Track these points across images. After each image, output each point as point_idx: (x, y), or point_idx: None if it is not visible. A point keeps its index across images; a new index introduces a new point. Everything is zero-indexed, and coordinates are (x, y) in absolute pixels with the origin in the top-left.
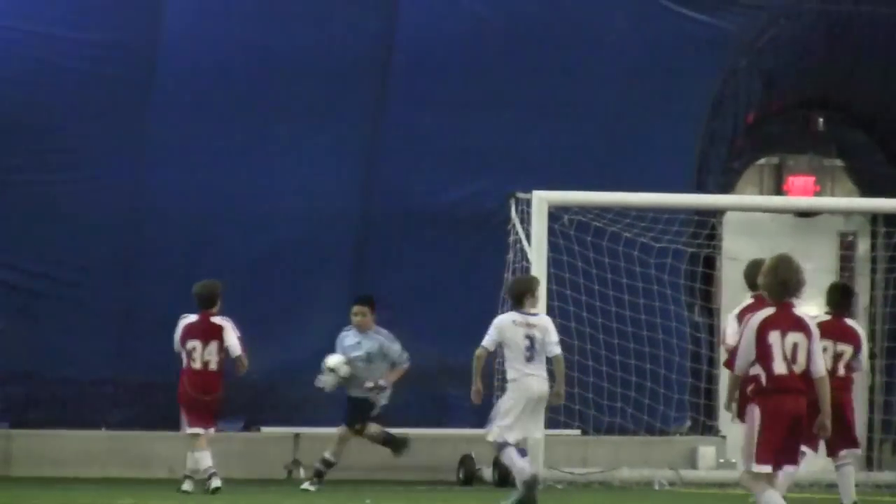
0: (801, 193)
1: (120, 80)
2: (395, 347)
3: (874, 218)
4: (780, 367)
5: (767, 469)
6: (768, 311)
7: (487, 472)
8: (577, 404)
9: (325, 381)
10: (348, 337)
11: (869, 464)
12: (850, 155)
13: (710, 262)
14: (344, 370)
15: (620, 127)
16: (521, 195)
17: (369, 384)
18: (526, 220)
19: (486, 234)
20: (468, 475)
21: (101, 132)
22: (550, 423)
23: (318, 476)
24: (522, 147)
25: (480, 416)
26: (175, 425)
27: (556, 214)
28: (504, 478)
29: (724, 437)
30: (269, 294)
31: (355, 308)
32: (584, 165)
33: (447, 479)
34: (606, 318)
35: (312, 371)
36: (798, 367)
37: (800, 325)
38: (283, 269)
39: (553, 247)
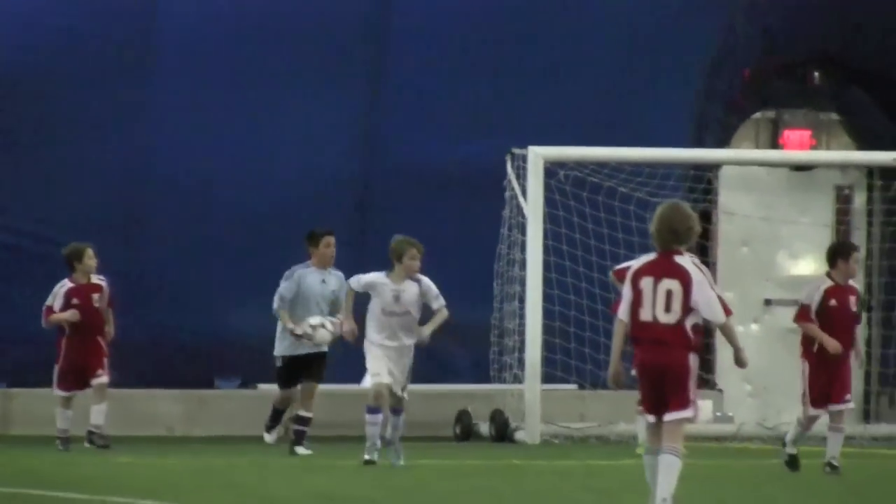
0: (797, 147)
1: (121, 44)
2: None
3: (870, 171)
4: (645, 315)
5: (648, 418)
6: (647, 257)
7: (484, 428)
8: (573, 359)
9: (321, 337)
10: (312, 275)
11: (866, 417)
12: (847, 110)
13: (707, 217)
14: (330, 325)
15: (619, 85)
16: (517, 151)
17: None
18: (522, 177)
19: (486, 193)
20: (465, 430)
21: (101, 96)
22: (547, 377)
23: (302, 437)
24: (522, 107)
25: (479, 371)
26: (174, 384)
27: (552, 170)
28: (502, 432)
29: (720, 390)
30: (269, 255)
31: (330, 239)
32: (583, 124)
33: (444, 435)
34: (602, 272)
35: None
36: (671, 316)
37: (678, 272)
38: (284, 230)
39: (549, 202)
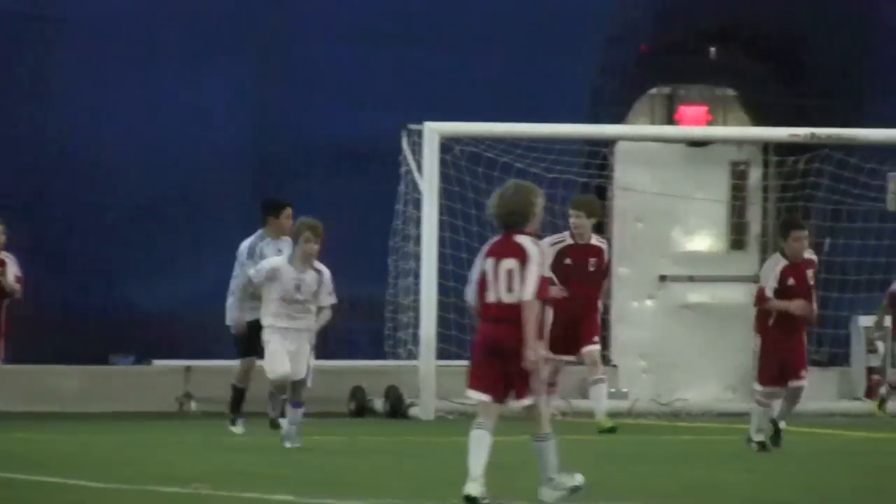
0: (692, 123)
1: (16, 18)
2: None
3: (766, 147)
4: (490, 296)
5: (477, 395)
6: (493, 239)
7: (379, 404)
8: (468, 335)
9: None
10: (269, 247)
11: None
12: (743, 85)
13: (602, 192)
14: None
15: (515, 61)
16: (412, 127)
17: None
18: (417, 152)
19: (382, 168)
20: (359, 407)
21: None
22: (442, 354)
23: (238, 409)
24: (420, 81)
25: (373, 347)
26: (70, 360)
27: (447, 146)
28: (396, 408)
29: (615, 366)
30: (165, 231)
31: (281, 213)
32: (480, 99)
33: (338, 411)
34: None
35: (205, 306)
36: (513, 296)
37: (517, 251)
38: (180, 206)
39: (445, 178)
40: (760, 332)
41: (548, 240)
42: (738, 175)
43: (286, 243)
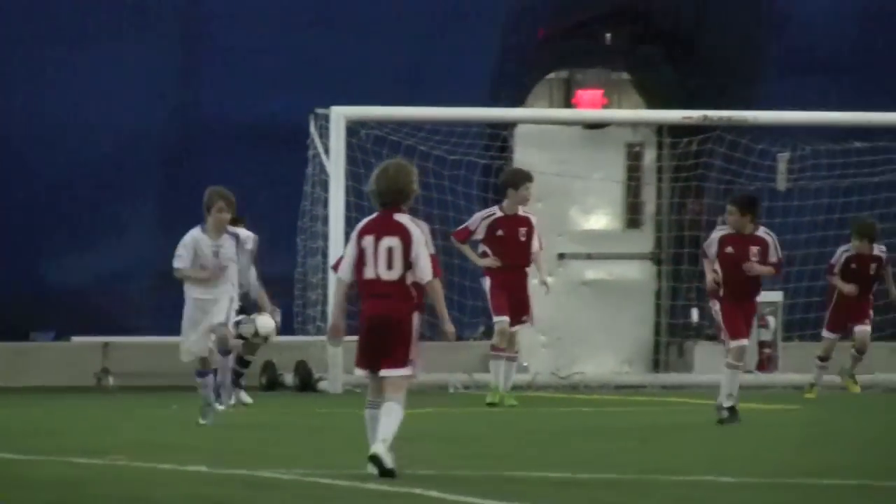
0: (589, 106)
1: None
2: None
3: (660, 129)
4: (368, 273)
5: (361, 372)
6: (370, 217)
7: (289, 378)
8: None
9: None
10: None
11: (656, 366)
12: (638, 69)
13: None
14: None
15: (418, 46)
16: (320, 111)
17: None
18: (325, 136)
19: (291, 150)
20: (270, 381)
21: None
22: (352, 329)
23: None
24: (329, 65)
25: (283, 323)
26: None
27: (353, 129)
28: (305, 382)
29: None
30: (84, 210)
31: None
32: (385, 84)
33: (250, 385)
34: None
35: (123, 284)
36: (393, 273)
37: (398, 230)
38: (95, 186)
39: (351, 160)
40: (716, 298)
41: (478, 215)
42: (634, 156)
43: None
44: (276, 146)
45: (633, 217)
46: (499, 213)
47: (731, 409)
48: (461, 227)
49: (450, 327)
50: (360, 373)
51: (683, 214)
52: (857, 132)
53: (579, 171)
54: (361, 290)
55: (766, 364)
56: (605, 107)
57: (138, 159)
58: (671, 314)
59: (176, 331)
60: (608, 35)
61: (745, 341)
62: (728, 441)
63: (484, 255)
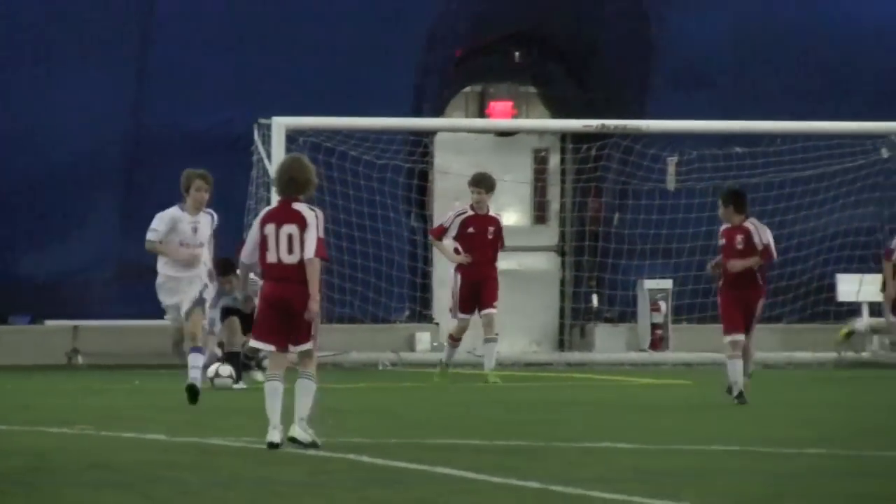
0: (500, 116)
1: None
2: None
3: (563, 136)
4: (271, 257)
5: (267, 347)
6: (271, 206)
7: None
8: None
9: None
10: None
11: (561, 346)
12: (544, 83)
13: (424, 176)
14: None
15: (350, 62)
16: (262, 121)
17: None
18: (267, 143)
19: (237, 155)
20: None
21: None
22: None
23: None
24: (270, 80)
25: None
26: None
27: (293, 137)
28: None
29: (437, 323)
30: (52, 207)
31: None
32: (321, 95)
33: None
34: (337, 224)
35: (90, 272)
36: (294, 257)
37: (296, 217)
38: (64, 186)
39: None
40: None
41: (452, 212)
42: (540, 160)
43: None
44: (222, 152)
45: (539, 214)
46: (470, 212)
47: (740, 394)
48: (436, 225)
49: (314, 307)
50: (260, 346)
51: (584, 212)
52: (736, 139)
53: (492, 173)
54: (265, 273)
55: (658, 344)
56: (515, 117)
57: (100, 164)
58: (574, 300)
59: (137, 315)
60: (517, 54)
61: (738, 336)
62: (624, 413)
63: (456, 251)
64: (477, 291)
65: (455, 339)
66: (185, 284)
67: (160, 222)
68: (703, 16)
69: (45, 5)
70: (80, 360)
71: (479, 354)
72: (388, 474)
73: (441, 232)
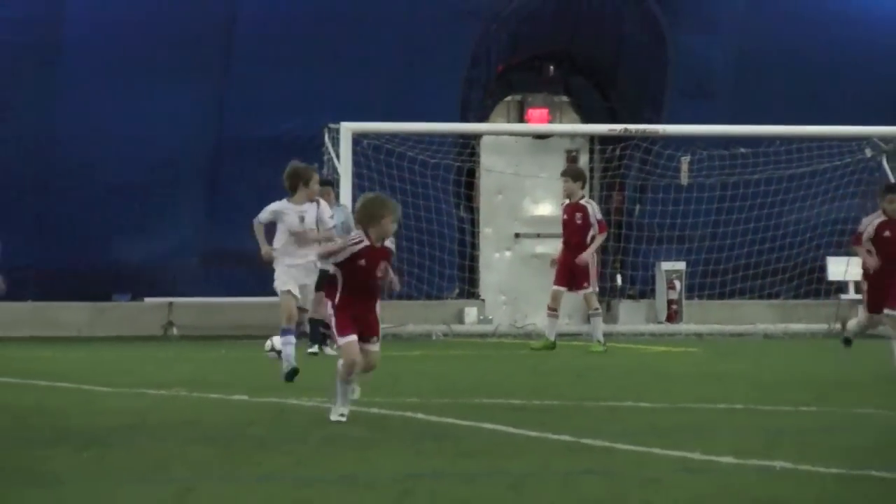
0: (537, 121)
1: (29, 47)
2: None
3: (592, 139)
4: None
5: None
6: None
7: (308, 328)
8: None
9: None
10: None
11: (589, 319)
12: (574, 93)
13: (471, 174)
14: None
15: (405, 75)
16: (332, 126)
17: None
18: (336, 144)
19: (309, 156)
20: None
21: (15, 91)
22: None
23: (325, 339)
24: (337, 92)
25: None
26: (82, 298)
27: (357, 140)
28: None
29: (483, 300)
30: (147, 203)
31: (321, 189)
32: (383, 105)
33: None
34: None
35: (179, 257)
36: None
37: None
38: (157, 185)
39: (356, 163)
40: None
41: (565, 201)
42: (571, 160)
43: (338, 212)
44: (296, 153)
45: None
46: (564, 200)
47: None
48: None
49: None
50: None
51: (610, 203)
52: (740, 140)
53: (530, 171)
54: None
55: (673, 317)
56: (550, 122)
57: (188, 165)
58: (601, 279)
59: (221, 293)
60: (551, 68)
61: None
62: (643, 376)
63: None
64: (571, 271)
65: (552, 309)
66: (301, 272)
67: (266, 212)
68: (711, 37)
69: (142, 30)
70: (174, 331)
71: (520, 326)
72: (439, 430)
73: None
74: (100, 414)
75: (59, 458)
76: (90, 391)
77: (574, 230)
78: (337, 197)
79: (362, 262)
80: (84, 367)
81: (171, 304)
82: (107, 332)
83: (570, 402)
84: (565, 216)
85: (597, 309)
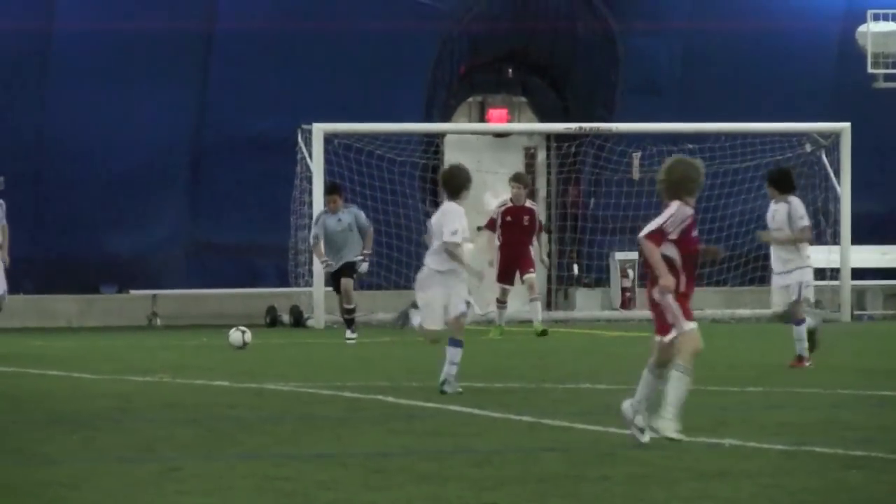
0: (497, 120)
1: (23, 58)
2: (362, 214)
3: (548, 136)
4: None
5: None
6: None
7: (286, 318)
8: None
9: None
10: (329, 218)
11: (548, 305)
12: (532, 93)
13: (435, 170)
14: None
15: (372, 77)
16: (304, 126)
17: (359, 257)
18: (308, 143)
19: (284, 154)
20: (272, 320)
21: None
22: (328, 282)
23: (350, 324)
24: (310, 92)
25: (281, 277)
26: (71, 290)
27: (329, 139)
28: (297, 321)
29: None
30: (133, 198)
31: (327, 197)
32: (351, 105)
33: (258, 323)
34: (364, 209)
35: (163, 250)
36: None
37: None
38: (142, 180)
39: (328, 161)
40: None
41: (495, 203)
42: (529, 156)
43: (346, 214)
44: (272, 152)
45: (530, 200)
46: (509, 204)
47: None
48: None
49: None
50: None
51: (566, 197)
52: (688, 137)
53: (490, 167)
54: None
55: (627, 303)
56: (509, 121)
57: (171, 162)
58: (558, 269)
59: (204, 285)
60: (509, 70)
61: None
62: (599, 359)
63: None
64: (513, 265)
65: (502, 303)
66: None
67: (462, 220)
68: (658, 38)
69: (129, 34)
70: (158, 322)
71: (483, 313)
72: (408, 411)
73: (493, 224)
74: (89, 399)
75: (52, 441)
76: (80, 378)
77: (522, 230)
78: (309, 192)
79: (695, 233)
80: (74, 356)
81: (154, 295)
82: (95, 323)
83: (531, 384)
84: (509, 217)
85: (538, 296)
